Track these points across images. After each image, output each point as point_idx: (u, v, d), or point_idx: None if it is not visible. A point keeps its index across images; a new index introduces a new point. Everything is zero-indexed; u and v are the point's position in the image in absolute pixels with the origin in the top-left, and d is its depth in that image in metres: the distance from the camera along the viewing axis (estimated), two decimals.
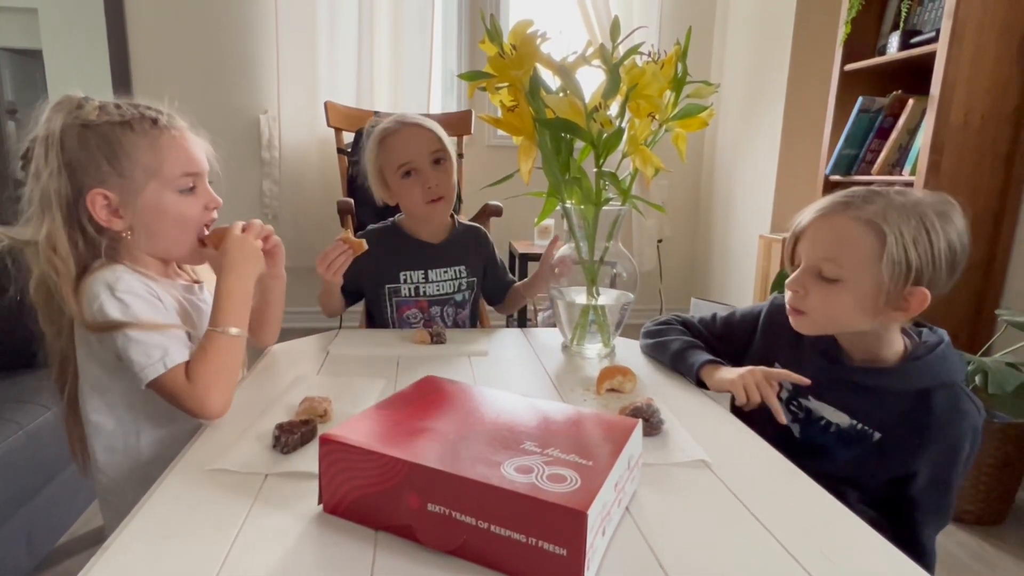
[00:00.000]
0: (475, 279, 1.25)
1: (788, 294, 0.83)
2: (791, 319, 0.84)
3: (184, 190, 0.81)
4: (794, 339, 0.87)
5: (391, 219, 1.26)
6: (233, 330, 0.78)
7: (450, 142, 1.20)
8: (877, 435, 0.79)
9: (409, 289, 1.19)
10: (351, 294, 1.20)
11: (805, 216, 0.81)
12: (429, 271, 1.20)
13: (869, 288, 0.75)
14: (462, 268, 1.23)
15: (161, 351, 0.73)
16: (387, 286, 1.20)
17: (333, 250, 1.04)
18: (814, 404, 0.85)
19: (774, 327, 0.92)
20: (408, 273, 1.19)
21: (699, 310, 1.01)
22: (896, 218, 0.73)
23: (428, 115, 1.30)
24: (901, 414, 0.77)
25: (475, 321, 1.31)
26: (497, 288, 1.30)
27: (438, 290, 1.21)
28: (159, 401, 0.76)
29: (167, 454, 0.67)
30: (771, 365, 0.86)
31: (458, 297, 1.23)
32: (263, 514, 0.54)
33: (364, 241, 1.03)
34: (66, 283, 0.75)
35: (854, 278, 0.75)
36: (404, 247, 1.21)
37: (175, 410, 0.75)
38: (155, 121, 0.78)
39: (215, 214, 0.86)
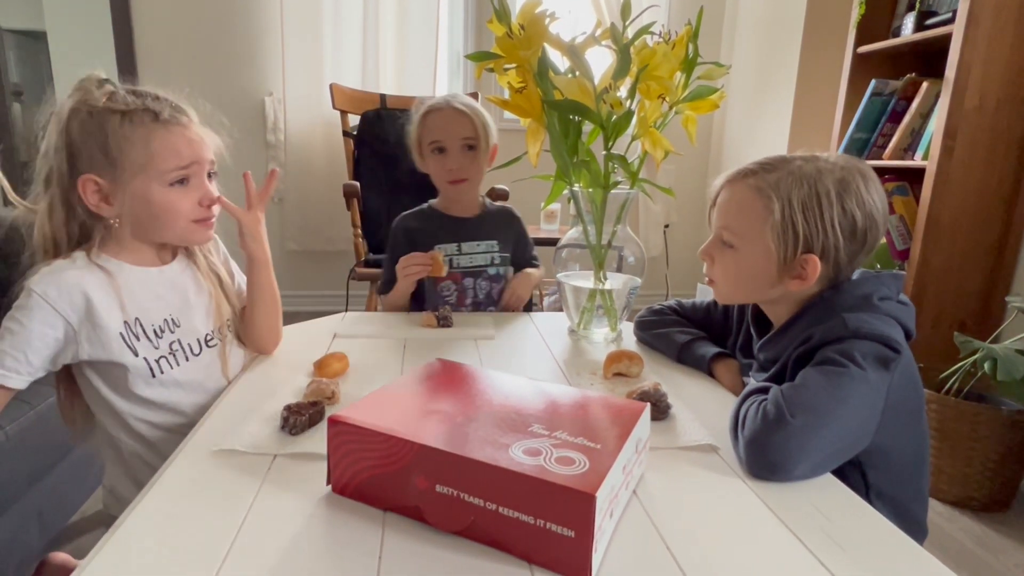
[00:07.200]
0: (507, 255, 1.29)
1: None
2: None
3: (174, 183, 0.79)
4: (739, 316, 0.91)
5: (426, 203, 1.31)
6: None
7: (493, 129, 1.24)
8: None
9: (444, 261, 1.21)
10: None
11: (716, 183, 0.81)
12: (462, 244, 1.24)
13: (761, 255, 0.75)
14: (494, 243, 1.27)
15: None
16: None
17: (420, 257, 1.14)
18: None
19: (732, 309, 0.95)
20: (443, 246, 1.22)
21: (705, 297, 1.00)
22: (788, 186, 0.73)
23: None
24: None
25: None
26: (519, 265, 1.33)
27: (471, 262, 1.24)
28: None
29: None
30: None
31: (491, 271, 1.26)
32: (272, 495, 0.55)
33: (447, 268, 1.16)
34: (48, 259, 0.76)
35: (748, 245, 0.76)
36: (439, 222, 1.26)
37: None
38: (157, 115, 0.77)
39: (214, 211, 0.83)
